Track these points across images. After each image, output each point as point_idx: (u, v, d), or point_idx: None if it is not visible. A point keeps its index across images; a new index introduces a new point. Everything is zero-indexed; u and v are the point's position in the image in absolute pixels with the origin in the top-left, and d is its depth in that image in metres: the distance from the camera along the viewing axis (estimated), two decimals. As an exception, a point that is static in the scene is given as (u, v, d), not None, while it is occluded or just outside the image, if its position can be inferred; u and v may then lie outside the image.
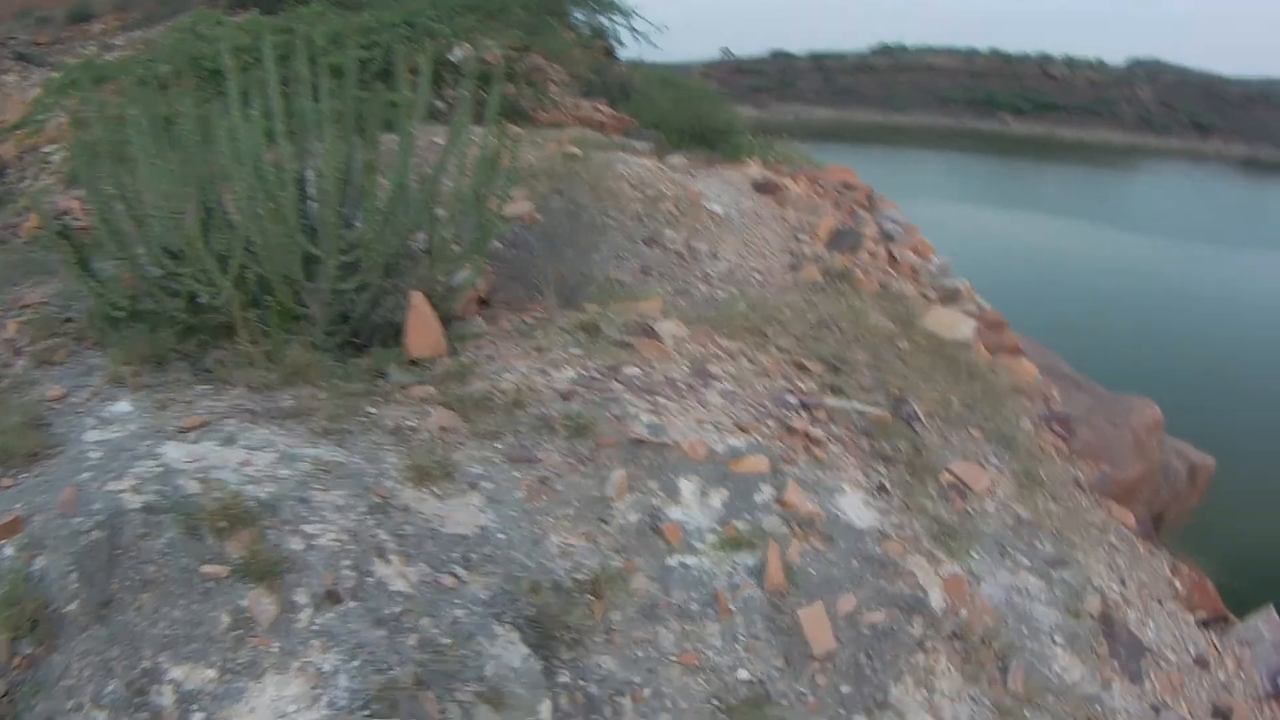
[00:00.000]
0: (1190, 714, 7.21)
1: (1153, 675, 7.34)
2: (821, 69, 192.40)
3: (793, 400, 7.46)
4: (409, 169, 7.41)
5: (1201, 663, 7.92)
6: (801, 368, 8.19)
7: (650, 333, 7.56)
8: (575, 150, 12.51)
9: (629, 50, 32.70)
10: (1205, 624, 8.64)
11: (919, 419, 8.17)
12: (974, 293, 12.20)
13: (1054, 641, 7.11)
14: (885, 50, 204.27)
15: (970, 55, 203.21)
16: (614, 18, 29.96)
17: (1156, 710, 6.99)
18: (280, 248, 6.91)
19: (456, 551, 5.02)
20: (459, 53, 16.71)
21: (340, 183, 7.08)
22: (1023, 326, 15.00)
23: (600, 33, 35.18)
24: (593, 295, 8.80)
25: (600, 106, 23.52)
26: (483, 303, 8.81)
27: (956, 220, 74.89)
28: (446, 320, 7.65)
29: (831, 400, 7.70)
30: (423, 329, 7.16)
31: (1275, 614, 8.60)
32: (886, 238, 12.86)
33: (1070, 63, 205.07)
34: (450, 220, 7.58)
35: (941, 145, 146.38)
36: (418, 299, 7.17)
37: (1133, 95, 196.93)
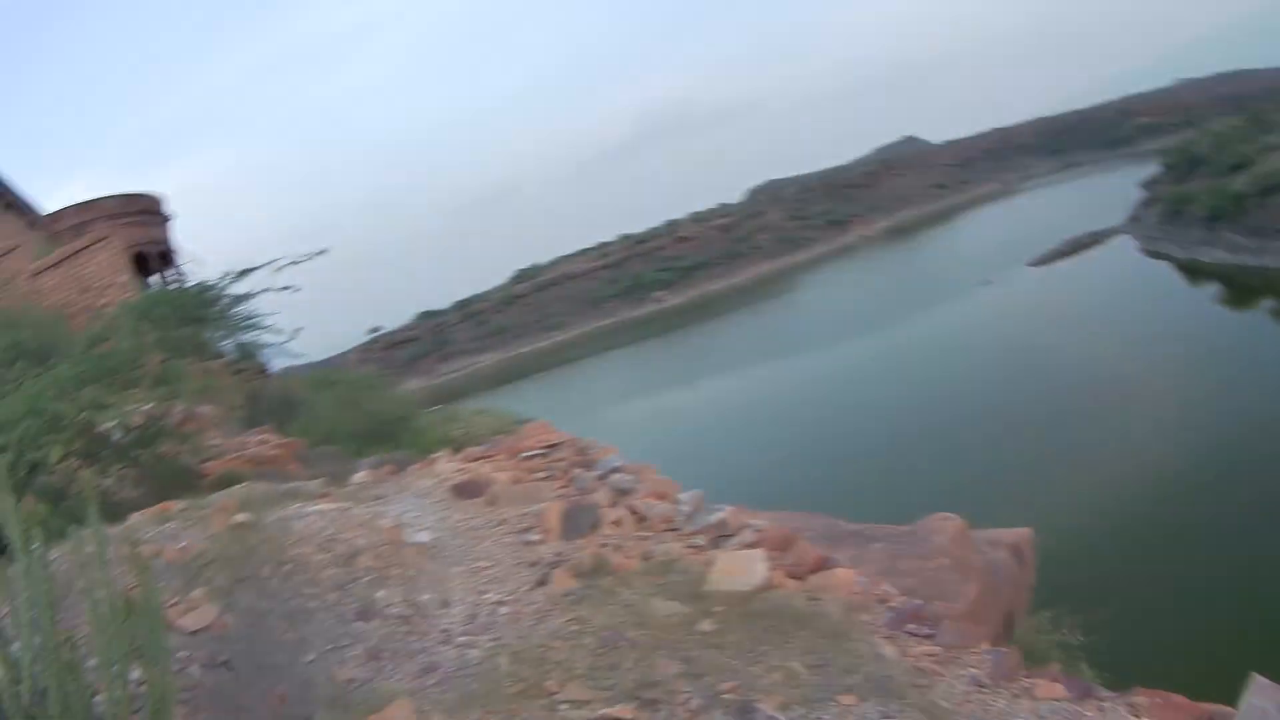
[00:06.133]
0: None
1: None
2: (471, 315, 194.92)
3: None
4: (54, 642, 5.44)
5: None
6: (611, 722, 6.48)
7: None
8: (244, 517, 10.58)
9: (281, 359, 31.29)
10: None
11: None
12: (743, 514, 10.73)
13: None
14: (524, 275, 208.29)
15: (604, 250, 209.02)
16: (258, 335, 28.51)
17: None
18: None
19: None
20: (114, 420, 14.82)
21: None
22: (766, 499, 13.90)
23: (248, 354, 33.50)
24: (326, 716, 7.04)
25: (267, 436, 21.71)
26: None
27: (645, 414, 75.61)
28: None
29: (668, 758, 5.97)
30: None
31: (1261, 681, 7.20)
32: (621, 494, 11.30)
33: (697, 218, 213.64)
34: (114, 699, 5.60)
35: (609, 346, 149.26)
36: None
37: (764, 222, 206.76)
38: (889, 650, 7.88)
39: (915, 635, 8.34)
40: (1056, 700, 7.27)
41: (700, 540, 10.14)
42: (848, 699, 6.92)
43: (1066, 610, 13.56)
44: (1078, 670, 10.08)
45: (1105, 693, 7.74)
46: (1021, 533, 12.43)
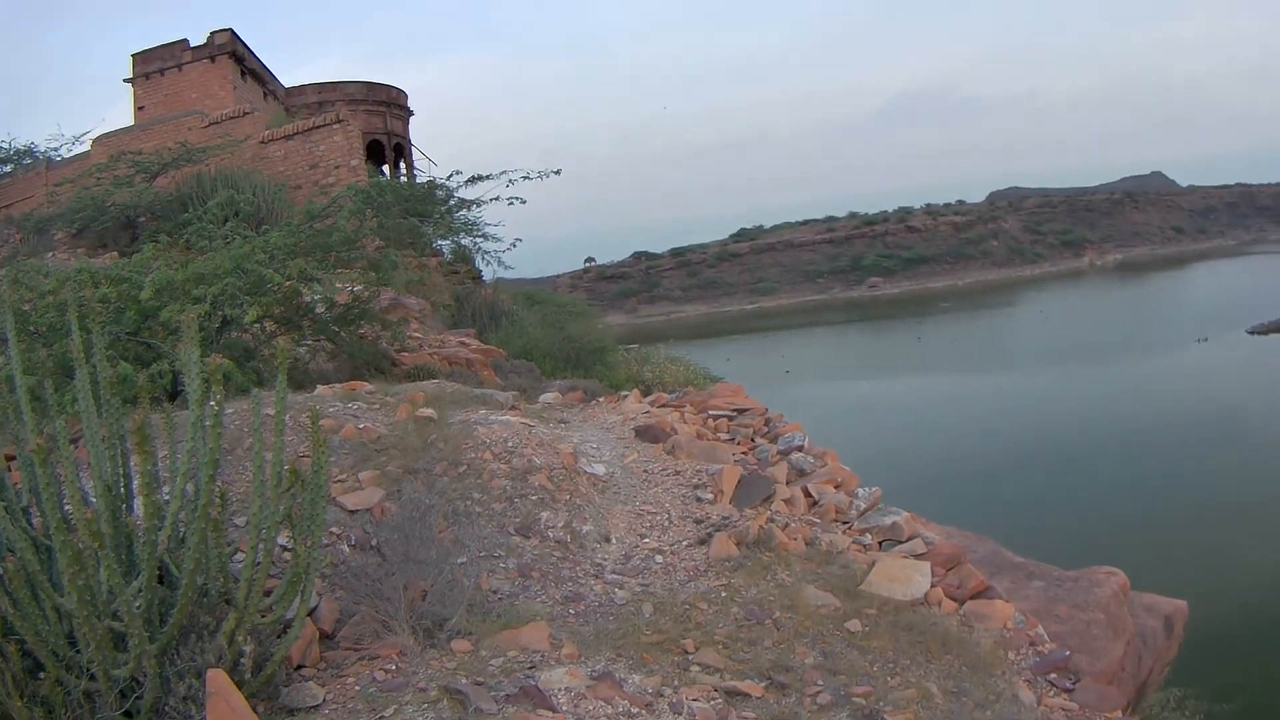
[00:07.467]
0: None
1: None
2: (684, 264, 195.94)
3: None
4: (207, 498, 5.44)
5: None
6: (738, 696, 6.32)
7: (536, 697, 5.63)
8: (430, 412, 10.67)
9: (494, 269, 31.73)
10: None
11: (900, 739, 6.31)
12: (917, 522, 10.48)
13: None
14: (744, 234, 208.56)
15: (830, 224, 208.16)
16: (478, 240, 28.91)
17: None
18: (34, 615, 5.14)
19: None
20: (318, 293, 15.11)
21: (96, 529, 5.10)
22: (935, 509, 13.71)
23: (464, 257, 34.07)
24: (462, 620, 6.94)
25: (466, 340, 21.98)
26: (327, 637, 6.85)
27: (833, 398, 75.43)
28: (268, 688, 5.71)
29: (789, 748, 5.80)
30: (228, 727, 5.13)
31: None
32: (799, 473, 11.13)
33: (930, 211, 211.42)
34: (254, 562, 5.62)
35: (813, 322, 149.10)
36: (217, 682, 5.15)
37: (999, 229, 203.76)
38: (1026, 694, 7.65)
39: (1055, 685, 8.10)
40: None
41: (868, 539, 9.95)
42: (972, 734, 6.71)
43: (1196, 692, 13.16)
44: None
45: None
46: (1178, 605, 12.03)
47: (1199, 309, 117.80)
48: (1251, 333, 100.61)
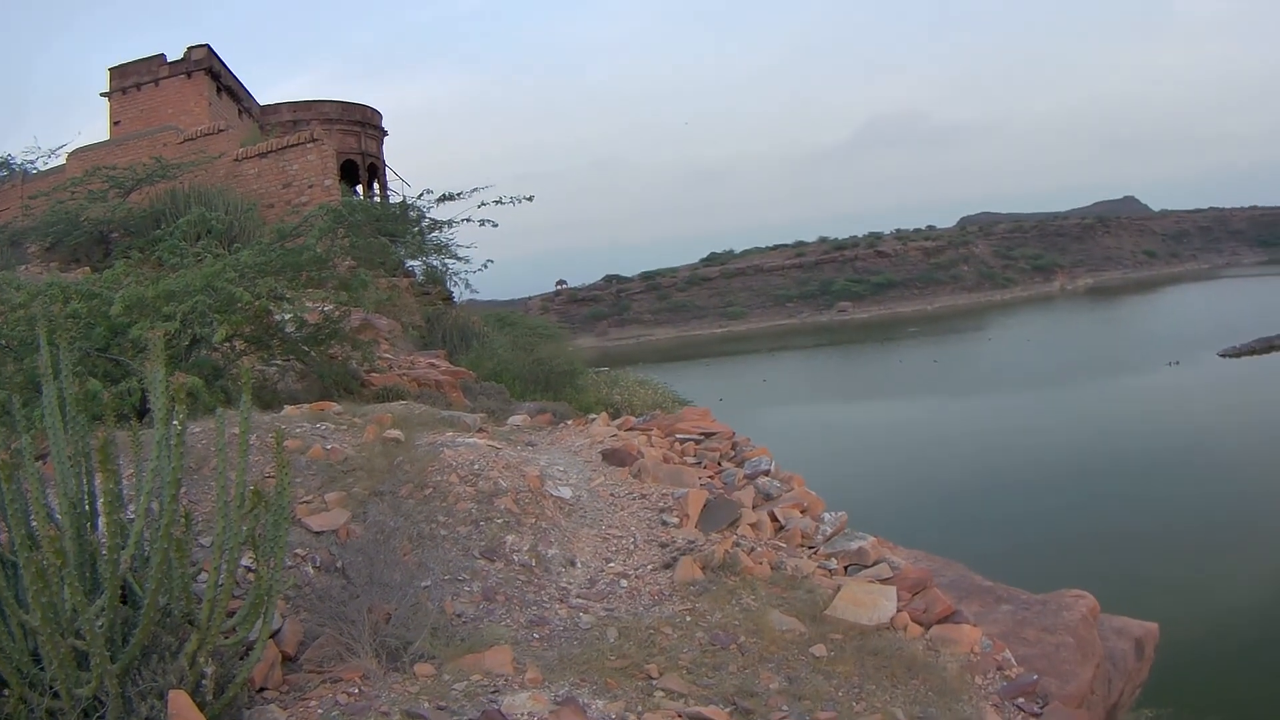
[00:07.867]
0: None
1: None
2: (655, 287, 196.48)
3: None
4: (170, 517, 5.43)
5: None
6: (701, 722, 6.33)
7: (498, 720, 5.62)
8: (397, 434, 10.66)
9: (461, 290, 31.69)
10: None
11: (863, 766, 6.31)
12: (884, 547, 10.49)
13: None
14: (714, 259, 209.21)
15: (799, 249, 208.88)
16: (449, 261, 28.88)
17: None
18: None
19: None
20: (288, 312, 15.09)
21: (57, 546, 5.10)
22: (903, 533, 13.74)
23: (436, 278, 34.00)
24: (425, 644, 6.88)
25: (436, 361, 21.93)
26: (290, 659, 6.82)
27: (804, 422, 75.47)
28: (230, 711, 5.69)
29: (750, 775, 5.80)
30: (187, 751, 5.13)
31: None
32: (765, 498, 11.14)
33: (901, 236, 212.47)
34: (216, 583, 5.61)
35: (782, 346, 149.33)
36: (179, 703, 5.14)
37: (969, 254, 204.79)
38: (993, 719, 7.63)
39: (1023, 710, 8.09)
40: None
41: (834, 564, 9.93)
42: (939, 758, 6.71)
43: (1167, 714, 13.14)
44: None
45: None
46: (1149, 627, 12.02)
47: (1171, 332, 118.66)
48: (1223, 356, 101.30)
